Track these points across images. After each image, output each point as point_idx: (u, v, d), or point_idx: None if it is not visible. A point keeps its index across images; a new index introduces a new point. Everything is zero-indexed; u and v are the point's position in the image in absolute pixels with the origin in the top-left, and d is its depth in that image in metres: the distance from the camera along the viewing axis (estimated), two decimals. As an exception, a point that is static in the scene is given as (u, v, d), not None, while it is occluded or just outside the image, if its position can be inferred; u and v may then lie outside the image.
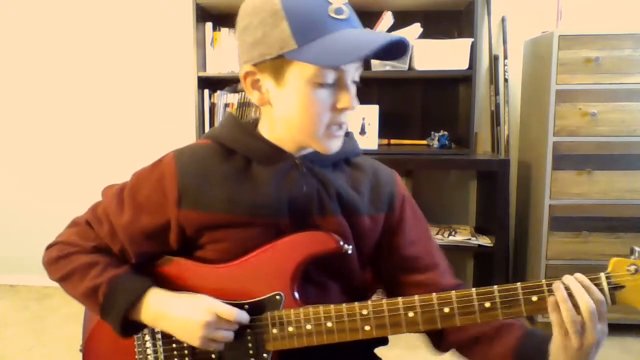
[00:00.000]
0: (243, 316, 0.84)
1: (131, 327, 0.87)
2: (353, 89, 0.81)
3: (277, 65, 0.78)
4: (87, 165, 2.89)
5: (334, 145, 0.84)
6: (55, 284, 0.91)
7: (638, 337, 2.26)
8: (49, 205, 2.93)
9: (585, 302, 0.71)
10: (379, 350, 0.99)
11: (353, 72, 0.81)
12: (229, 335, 0.84)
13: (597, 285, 0.74)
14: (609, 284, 0.74)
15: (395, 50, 0.79)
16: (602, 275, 0.74)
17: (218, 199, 0.84)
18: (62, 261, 0.89)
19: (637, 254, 0.75)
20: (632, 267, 0.73)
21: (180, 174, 0.85)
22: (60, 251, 0.90)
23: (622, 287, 0.74)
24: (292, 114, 0.81)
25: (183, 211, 0.84)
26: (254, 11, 0.79)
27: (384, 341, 0.95)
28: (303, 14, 0.76)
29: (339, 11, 0.77)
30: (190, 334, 0.83)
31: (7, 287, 2.97)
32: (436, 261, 0.95)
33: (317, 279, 0.89)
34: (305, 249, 0.84)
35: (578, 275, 0.74)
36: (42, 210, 2.94)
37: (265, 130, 0.88)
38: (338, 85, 0.80)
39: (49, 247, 0.93)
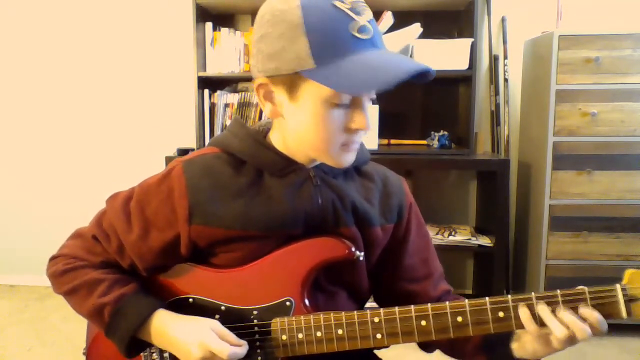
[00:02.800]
0: (237, 352, 0.79)
1: (136, 347, 0.85)
2: (368, 109, 0.79)
3: (292, 80, 0.75)
4: (87, 165, 2.88)
5: (348, 160, 0.82)
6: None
7: (638, 337, 2.26)
8: (49, 206, 2.93)
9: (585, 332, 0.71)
10: (378, 351, 0.98)
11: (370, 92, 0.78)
12: None
13: (612, 296, 0.72)
14: (624, 295, 0.72)
15: (418, 75, 0.74)
16: (618, 286, 0.73)
17: (231, 215, 0.82)
18: (68, 275, 0.87)
19: None
20: None
21: (191, 189, 0.82)
22: (67, 264, 0.88)
23: (638, 299, 0.72)
24: (304, 130, 0.78)
25: (194, 227, 0.82)
26: (274, 21, 0.75)
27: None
28: (324, 31, 0.72)
29: (362, 30, 0.73)
30: None
31: (7, 287, 2.97)
32: (431, 270, 0.95)
33: (326, 286, 0.88)
34: (316, 255, 0.83)
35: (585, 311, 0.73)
36: (42, 210, 2.94)
37: (277, 140, 0.86)
38: (353, 105, 0.77)
39: (53, 258, 0.91)
